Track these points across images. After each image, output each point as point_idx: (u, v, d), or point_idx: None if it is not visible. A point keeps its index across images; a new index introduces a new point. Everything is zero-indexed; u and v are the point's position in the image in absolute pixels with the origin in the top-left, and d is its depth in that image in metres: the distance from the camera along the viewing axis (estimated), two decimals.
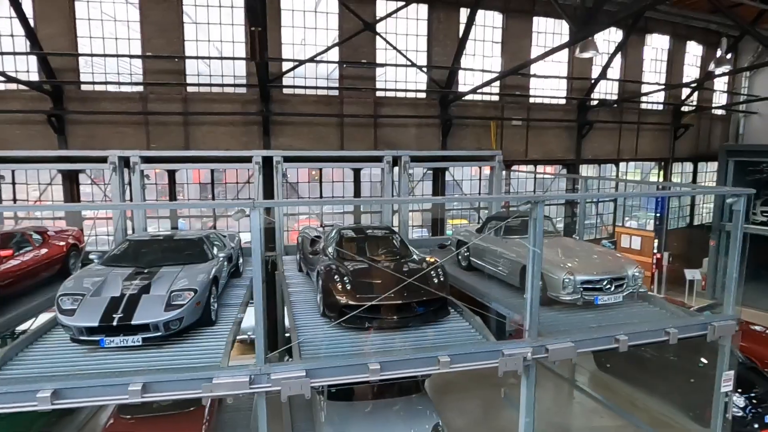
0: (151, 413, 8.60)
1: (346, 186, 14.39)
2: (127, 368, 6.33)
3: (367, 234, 9.65)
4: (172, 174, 13.28)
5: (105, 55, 12.50)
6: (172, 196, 13.39)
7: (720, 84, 21.32)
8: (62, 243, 10.32)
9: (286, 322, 12.75)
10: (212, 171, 13.59)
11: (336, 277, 7.85)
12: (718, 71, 15.36)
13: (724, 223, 19.31)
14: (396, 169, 13.02)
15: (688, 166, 21.27)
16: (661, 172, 20.20)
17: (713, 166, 21.92)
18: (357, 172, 14.41)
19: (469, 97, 14.84)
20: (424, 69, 14.41)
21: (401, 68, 14.42)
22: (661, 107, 19.34)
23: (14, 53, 12.16)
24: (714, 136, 21.54)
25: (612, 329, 7.74)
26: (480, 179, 16.09)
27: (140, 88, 12.75)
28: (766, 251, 18.44)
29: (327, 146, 13.82)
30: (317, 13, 13.35)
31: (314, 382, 6.19)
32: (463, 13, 14.63)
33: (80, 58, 12.41)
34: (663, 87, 18.59)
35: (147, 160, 11.93)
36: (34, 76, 12.31)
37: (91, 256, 8.82)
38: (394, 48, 13.33)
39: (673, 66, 19.04)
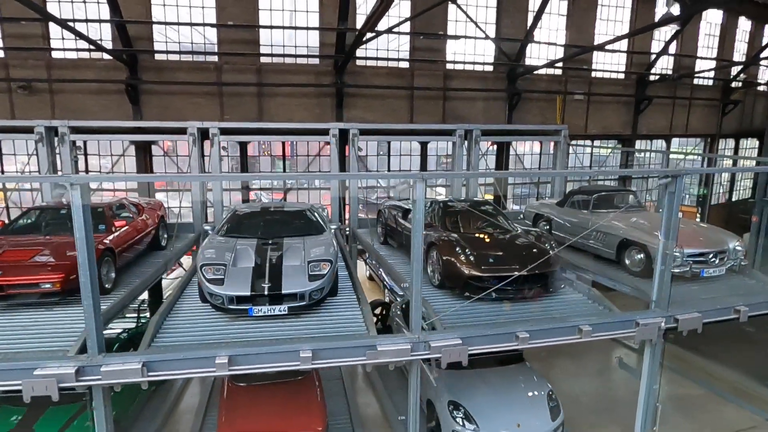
0: (263, 381, 8.74)
1: (413, 159, 14.39)
2: (278, 336, 6.45)
3: (472, 208, 9.71)
4: (244, 146, 13.21)
5: (179, 23, 12.28)
6: (244, 169, 13.35)
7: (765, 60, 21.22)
8: (154, 214, 10.34)
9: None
10: (283, 144, 13.51)
11: (458, 249, 7.94)
12: None
13: (767, 199, 19.51)
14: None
15: (731, 143, 21.35)
16: (707, 149, 20.28)
17: (753, 142, 22.04)
18: (424, 146, 14.39)
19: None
20: (497, 41, 14.23)
21: (470, 41, 14.25)
22: (711, 83, 19.29)
23: (87, 20, 11.90)
24: (756, 113, 21.56)
25: (725, 301, 7.92)
26: (541, 154, 16.11)
27: (215, 58, 12.57)
28: None
29: (397, 119, 13.76)
30: None
31: (472, 350, 6.33)
32: None
33: (155, 27, 12.18)
34: (727, 63, 18.48)
35: (223, 131, 11.88)
36: (108, 45, 12.08)
37: (206, 228, 8.87)
38: (472, 20, 13.16)
39: (725, 41, 18.91)
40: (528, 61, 14.88)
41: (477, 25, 13.36)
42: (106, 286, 7.51)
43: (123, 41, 11.69)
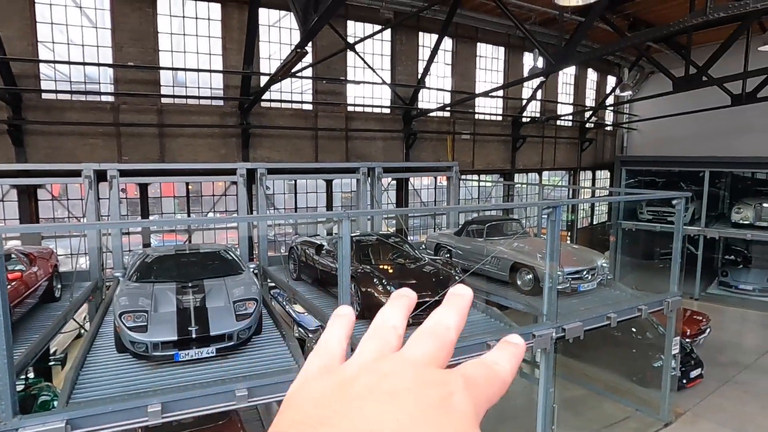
0: (181, 430, 8.48)
1: (319, 197, 14.88)
2: (208, 378, 6.50)
3: (381, 240, 10.41)
4: (144, 188, 12.74)
5: (71, 63, 11.72)
6: (145, 212, 12.83)
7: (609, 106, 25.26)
8: (46, 264, 9.64)
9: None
10: (187, 184, 13.25)
11: (375, 280, 8.55)
12: (623, 94, 18.51)
13: (620, 222, 22.91)
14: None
15: (589, 174, 24.83)
16: (571, 180, 23.42)
17: (605, 174, 25.84)
18: (329, 183, 14.98)
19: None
20: (393, 87, 15.47)
21: (368, 86, 15.32)
22: (570, 124, 22.47)
23: None
24: (606, 149, 25.40)
25: (599, 310, 9.40)
26: (435, 188, 17.50)
27: (111, 98, 12.13)
28: (650, 243, 22.22)
29: (303, 158, 14.23)
30: (292, 30, 13.75)
31: None
32: (422, 36, 16.06)
33: (41, 65, 11.50)
34: (581, 107, 21.70)
35: (123, 173, 11.46)
36: None
37: (116, 274, 8.49)
38: (369, 67, 14.21)
39: (579, 89, 22.27)
40: (421, 104, 16.33)
41: (374, 71, 14.47)
42: None
43: (4, 79, 10.89)
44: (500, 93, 18.51)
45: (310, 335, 12.84)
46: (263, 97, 13.13)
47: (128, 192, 12.62)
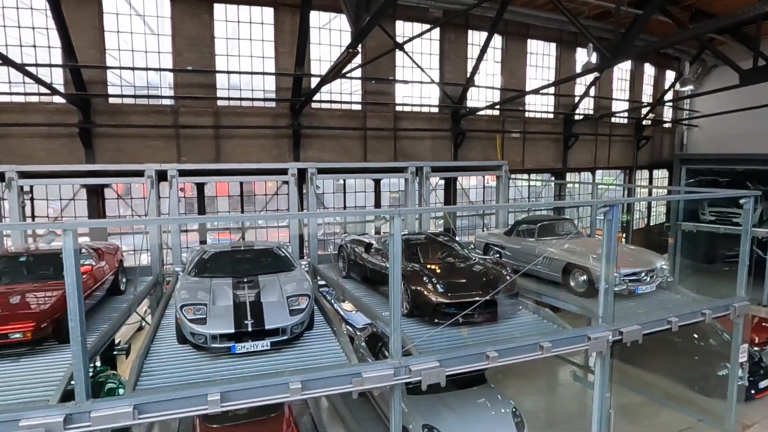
0: (235, 421, 8.75)
1: (367, 196, 15.04)
2: (262, 371, 6.66)
3: (431, 239, 10.38)
4: (201, 187, 13.27)
5: (135, 68, 12.38)
6: (201, 210, 13.36)
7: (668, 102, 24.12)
8: (113, 259, 10.18)
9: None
10: (241, 184, 13.70)
11: (425, 278, 8.51)
12: (683, 89, 17.65)
13: (679, 223, 21.83)
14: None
15: (645, 173, 23.81)
16: (626, 179, 22.53)
17: (663, 173, 24.69)
18: (378, 183, 15.10)
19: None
20: (441, 86, 15.42)
21: (417, 85, 15.34)
22: (626, 121, 21.64)
23: (37, 64, 11.73)
24: (664, 147, 24.28)
25: (658, 314, 8.98)
26: (484, 187, 17.30)
27: (171, 102, 12.73)
28: (712, 245, 21.05)
29: (351, 158, 14.42)
30: (342, 31, 13.97)
31: (449, 371, 6.84)
32: (471, 34, 15.94)
33: (108, 71, 12.21)
34: (637, 103, 20.85)
35: (181, 173, 11.96)
36: (60, 89, 11.93)
37: (176, 269, 8.92)
38: (418, 66, 14.24)
39: (635, 85, 21.40)
40: (469, 103, 16.18)
41: (423, 71, 14.46)
42: None
43: (76, 85, 11.62)
44: (551, 90, 18.07)
45: (358, 333, 12.96)
46: (314, 98, 13.37)
47: (186, 191, 13.17)
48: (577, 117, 18.80)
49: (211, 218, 13.54)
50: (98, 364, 11.50)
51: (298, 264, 9.22)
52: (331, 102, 14.36)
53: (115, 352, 11.92)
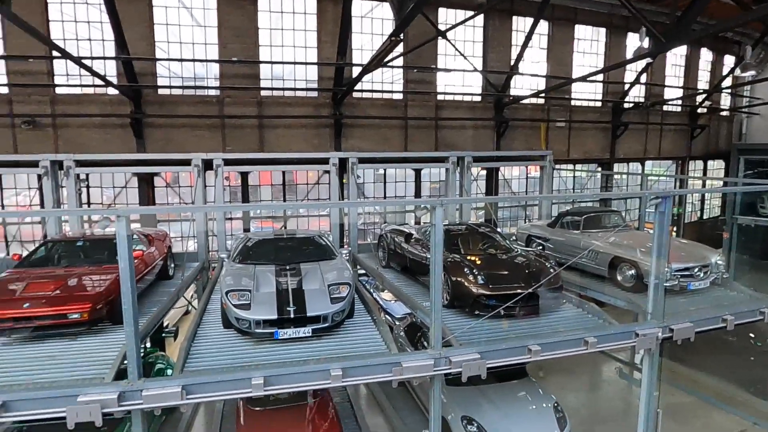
0: (277, 405, 8.93)
1: (407, 186, 14.99)
2: (303, 357, 6.74)
3: (472, 230, 10.24)
4: (245, 176, 13.57)
5: (183, 60, 12.72)
6: (245, 198, 13.68)
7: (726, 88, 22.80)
8: (162, 245, 10.54)
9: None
10: (283, 173, 13.92)
11: (466, 269, 8.40)
12: (743, 75, 16.63)
13: (736, 217, 20.68)
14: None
15: (700, 164, 22.66)
16: (678, 170, 21.51)
17: (720, 164, 23.42)
18: (418, 172, 15.02)
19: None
20: (485, 74, 15.13)
21: (459, 73, 15.10)
22: (679, 109, 20.61)
23: (92, 57, 12.22)
24: (720, 136, 23.00)
25: (712, 311, 8.55)
26: (527, 178, 16.92)
27: (217, 92, 13.03)
28: None
29: (392, 147, 14.39)
30: (384, 20, 13.89)
31: (490, 363, 6.75)
32: (515, 21, 15.53)
33: (158, 63, 12.60)
34: (692, 91, 19.84)
35: (226, 162, 12.23)
36: (113, 80, 12.40)
37: (221, 255, 9.18)
38: (461, 54, 14.01)
39: (690, 71, 20.33)
40: (513, 92, 15.80)
41: (466, 58, 14.21)
42: None
43: (128, 76, 12.05)
44: (600, 77, 17.39)
45: (397, 322, 13.00)
46: (355, 88, 13.38)
47: (230, 180, 13.49)
48: (626, 105, 18.05)
49: (254, 206, 13.84)
50: (148, 345, 12.00)
51: (338, 253, 9.29)
52: (372, 91, 14.35)
53: (163, 335, 12.40)
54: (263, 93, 13.37)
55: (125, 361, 5.84)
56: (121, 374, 5.82)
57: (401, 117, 14.51)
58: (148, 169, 12.39)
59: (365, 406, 11.13)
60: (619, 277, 9.84)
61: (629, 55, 16.19)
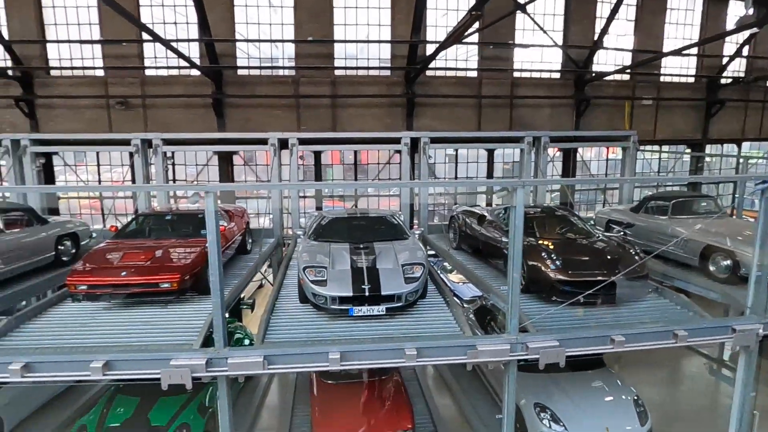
0: (349, 379, 9.11)
1: (479, 167, 14.64)
2: (376, 335, 6.79)
3: (549, 213, 9.85)
4: (318, 155, 13.81)
5: (261, 41, 13.04)
6: (318, 177, 13.95)
7: None
8: (241, 221, 10.96)
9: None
10: (355, 152, 14.03)
11: (544, 253, 8.09)
12: None
13: None
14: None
15: None
16: None
17: None
18: (491, 153, 14.61)
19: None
20: (565, 49, 14.35)
21: (537, 49, 14.42)
22: None
23: (177, 39, 12.81)
24: None
25: None
26: (607, 160, 16.01)
27: (292, 72, 13.28)
28: None
29: (464, 127, 14.08)
30: None
31: (569, 352, 6.49)
32: None
33: (238, 44, 12.99)
34: None
35: (300, 141, 12.47)
36: (196, 62, 12.93)
37: (297, 232, 9.45)
38: (541, 28, 13.35)
39: None
40: (596, 68, 14.88)
41: (545, 33, 13.51)
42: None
43: (210, 58, 12.51)
44: (694, 51, 15.98)
45: (466, 305, 12.86)
46: (428, 66, 13.11)
47: (304, 159, 13.78)
48: (724, 81, 16.48)
49: (331, 184, 14.07)
50: (227, 315, 12.65)
51: (411, 233, 9.25)
52: (445, 69, 14.03)
53: (241, 307, 13.03)
54: (337, 72, 13.46)
55: (210, 330, 6.15)
56: (205, 342, 6.13)
57: (475, 95, 14.11)
58: (228, 148, 12.89)
59: (433, 386, 11.17)
60: (711, 268, 9.10)
61: (730, 25, 14.79)
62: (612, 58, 15.32)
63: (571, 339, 6.53)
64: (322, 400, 8.55)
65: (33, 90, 13.19)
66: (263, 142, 12.26)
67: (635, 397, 8.47)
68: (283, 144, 12.34)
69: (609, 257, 8.11)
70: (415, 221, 13.45)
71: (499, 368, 6.81)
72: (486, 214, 10.39)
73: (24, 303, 8.95)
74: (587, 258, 8.07)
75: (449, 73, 14.14)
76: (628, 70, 15.20)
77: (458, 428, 9.40)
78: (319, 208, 13.78)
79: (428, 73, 13.75)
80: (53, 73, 13.38)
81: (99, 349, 6.00)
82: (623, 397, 8.49)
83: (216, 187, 5.90)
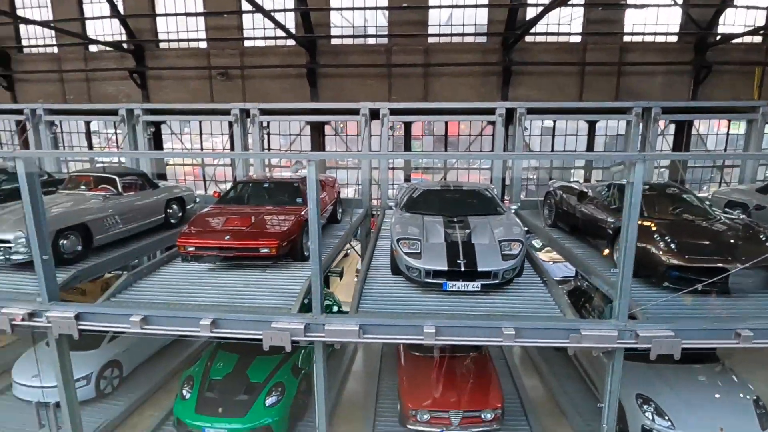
0: (437, 353, 9.04)
1: (579, 140, 13.69)
2: (470, 312, 6.56)
3: (660, 191, 9.01)
4: (408, 126, 13.62)
5: (355, 8, 12.93)
6: (407, 148, 13.79)
7: None
8: (332, 191, 11.09)
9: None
10: (446, 123, 13.67)
11: (655, 235, 7.40)
12: None
13: None
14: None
15: None
16: None
17: None
18: (592, 125, 13.59)
19: None
20: (686, 8, 12.81)
21: (652, 9, 13.02)
22: None
23: (274, 10, 12.99)
24: None
25: None
26: (728, 134, 14.33)
27: (385, 41, 13.07)
28: None
29: (564, 97, 13.17)
30: None
31: (686, 343, 5.93)
32: None
33: (332, 13, 12.97)
34: None
35: (391, 112, 12.30)
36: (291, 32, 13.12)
37: (389, 203, 9.42)
38: None
39: None
40: (721, 29, 13.18)
41: None
42: (306, 254, 8.18)
43: (305, 27, 12.60)
44: None
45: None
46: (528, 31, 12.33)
47: (396, 129, 13.64)
48: None
49: (418, 154, 13.88)
50: None
51: (506, 208, 8.86)
52: (546, 34, 13.10)
53: (329, 274, 13.37)
54: (430, 40, 13.04)
55: (307, 296, 6.28)
56: (301, 307, 6.28)
57: (578, 62, 13.08)
58: (320, 118, 13.05)
59: (521, 366, 10.87)
60: None
61: None
62: (743, 18, 13.45)
63: (688, 330, 5.96)
64: (409, 371, 8.58)
65: (144, 62, 14.11)
66: (354, 112, 12.24)
67: (755, 397, 7.66)
68: (374, 114, 12.26)
69: (735, 242, 7.26)
70: (506, 196, 12.93)
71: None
72: (587, 190, 9.71)
73: (136, 261, 9.74)
74: (708, 242, 7.28)
75: (550, 39, 13.18)
76: (762, 32, 13.31)
77: (548, 413, 9.02)
78: (407, 180, 13.67)
79: (527, 38, 12.91)
80: (162, 45, 14.20)
81: (205, 307, 6.33)
82: (741, 395, 7.71)
83: (317, 155, 5.89)
